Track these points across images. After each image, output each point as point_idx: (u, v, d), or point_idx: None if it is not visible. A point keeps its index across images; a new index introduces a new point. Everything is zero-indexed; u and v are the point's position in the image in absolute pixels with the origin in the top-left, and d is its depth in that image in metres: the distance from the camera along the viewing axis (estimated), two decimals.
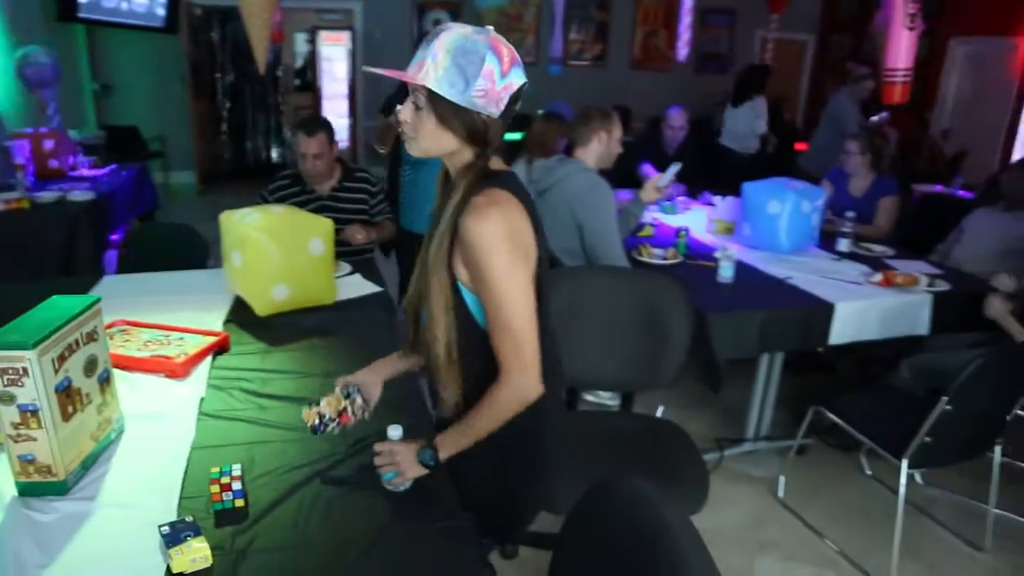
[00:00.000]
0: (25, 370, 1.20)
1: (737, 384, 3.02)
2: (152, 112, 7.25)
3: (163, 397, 1.65)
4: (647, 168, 4.15)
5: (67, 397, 1.29)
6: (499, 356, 1.24)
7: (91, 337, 1.38)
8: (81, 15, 5.79)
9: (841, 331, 2.56)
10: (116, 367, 1.76)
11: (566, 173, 2.69)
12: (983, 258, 3.09)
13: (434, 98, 1.18)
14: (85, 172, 4.36)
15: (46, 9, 5.64)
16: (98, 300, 1.41)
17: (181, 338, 1.92)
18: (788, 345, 2.61)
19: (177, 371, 1.73)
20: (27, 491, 1.28)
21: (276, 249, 2.03)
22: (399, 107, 1.26)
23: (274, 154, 8.45)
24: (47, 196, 3.61)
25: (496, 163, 1.29)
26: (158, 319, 2.03)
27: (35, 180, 3.92)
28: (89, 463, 1.36)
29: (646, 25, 8.56)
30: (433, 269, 1.25)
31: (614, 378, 2.14)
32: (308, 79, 8.15)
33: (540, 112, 4.58)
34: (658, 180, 2.89)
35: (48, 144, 4.18)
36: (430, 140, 1.23)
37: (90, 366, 1.37)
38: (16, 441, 1.25)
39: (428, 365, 1.34)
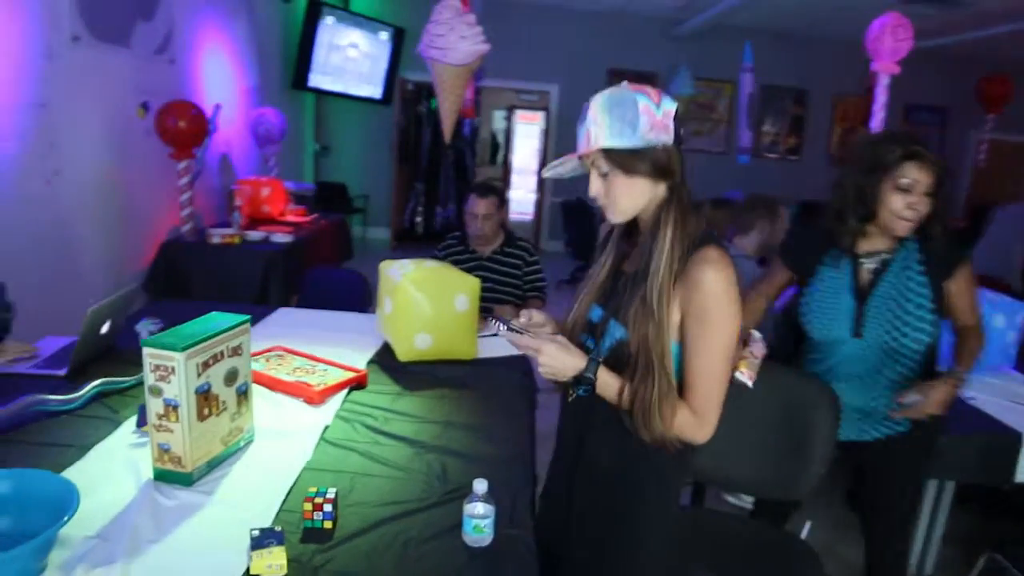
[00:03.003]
0: (173, 369, 1.37)
1: None
2: (359, 172, 8.07)
3: (295, 419, 1.77)
4: None
5: (205, 400, 1.44)
6: (690, 396, 1.29)
7: (236, 352, 1.53)
8: (309, 85, 6.66)
9: None
10: (264, 386, 1.95)
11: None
12: None
13: (612, 155, 1.27)
14: (291, 218, 4.92)
15: (286, 79, 6.56)
16: (247, 320, 1.57)
17: (326, 370, 2.07)
18: (963, 475, 2.28)
19: (314, 398, 1.86)
20: (160, 476, 1.43)
21: (423, 299, 2.15)
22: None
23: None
24: (255, 235, 4.11)
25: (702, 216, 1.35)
26: (312, 350, 2.21)
27: (250, 221, 4.50)
28: (215, 463, 1.50)
29: (845, 123, 8.21)
30: (658, 303, 1.26)
31: (743, 479, 1.98)
32: (502, 153, 8.67)
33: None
34: None
35: (265, 191, 4.78)
36: (625, 197, 1.30)
37: (231, 377, 1.52)
38: (158, 430, 1.41)
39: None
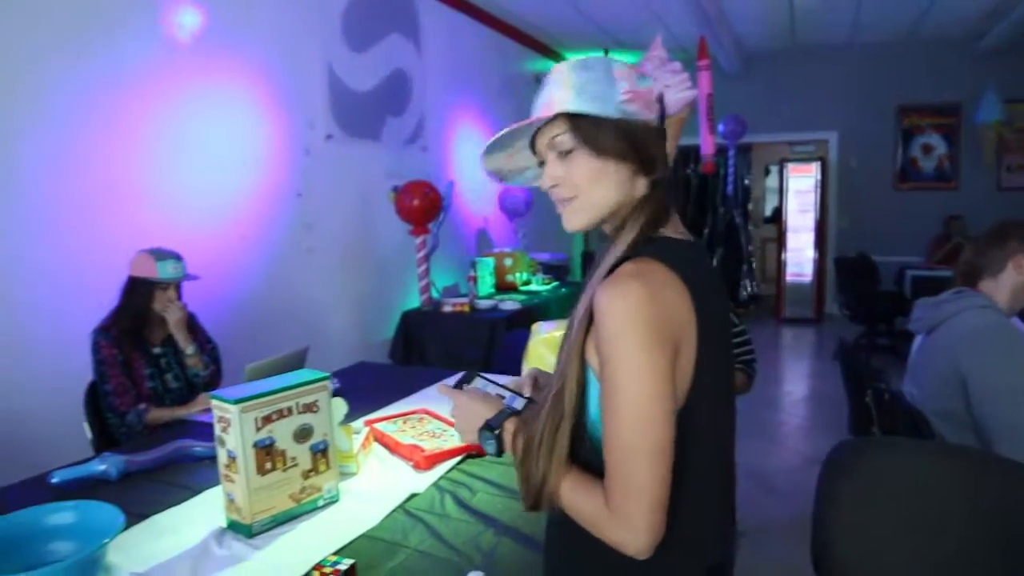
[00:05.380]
0: (230, 421, 1.42)
1: None
2: None
3: (394, 483, 1.72)
4: None
5: (267, 454, 1.47)
6: (605, 481, 0.90)
7: (309, 408, 1.55)
8: None
9: None
10: (385, 447, 1.96)
11: (958, 309, 2.00)
12: None
13: (580, 125, 0.96)
14: (533, 288, 5.05)
15: None
16: (327, 378, 1.59)
17: (453, 435, 2.01)
18: None
19: (420, 463, 1.80)
20: (230, 525, 1.48)
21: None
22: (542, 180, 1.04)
23: (744, 284, 8.34)
24: (485, 304, 4.29)
25: (673, 227, 1.01)
26: None
27: (496, 290, 4.72)
28: (282, 519, 1.50)
29: None
30: (571, 349, 0.96)
31: None
32: (771, 209, 8.01)
33: None
34: None
35: (507, 262, 4.99)
36: (593, 184, 0.97)
37: (302, 434, 1.53)
38: (225, 480, 1.47)
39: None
